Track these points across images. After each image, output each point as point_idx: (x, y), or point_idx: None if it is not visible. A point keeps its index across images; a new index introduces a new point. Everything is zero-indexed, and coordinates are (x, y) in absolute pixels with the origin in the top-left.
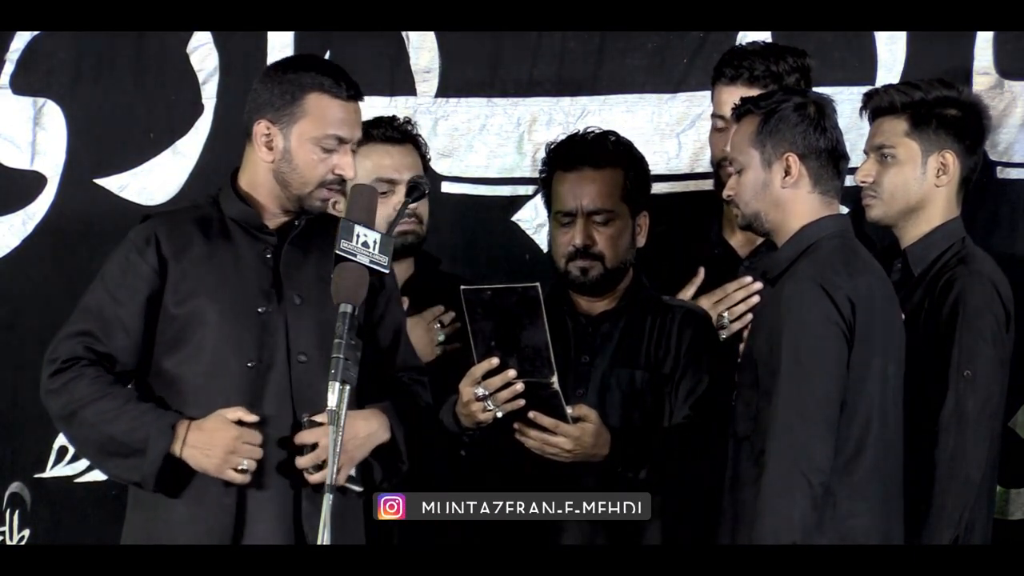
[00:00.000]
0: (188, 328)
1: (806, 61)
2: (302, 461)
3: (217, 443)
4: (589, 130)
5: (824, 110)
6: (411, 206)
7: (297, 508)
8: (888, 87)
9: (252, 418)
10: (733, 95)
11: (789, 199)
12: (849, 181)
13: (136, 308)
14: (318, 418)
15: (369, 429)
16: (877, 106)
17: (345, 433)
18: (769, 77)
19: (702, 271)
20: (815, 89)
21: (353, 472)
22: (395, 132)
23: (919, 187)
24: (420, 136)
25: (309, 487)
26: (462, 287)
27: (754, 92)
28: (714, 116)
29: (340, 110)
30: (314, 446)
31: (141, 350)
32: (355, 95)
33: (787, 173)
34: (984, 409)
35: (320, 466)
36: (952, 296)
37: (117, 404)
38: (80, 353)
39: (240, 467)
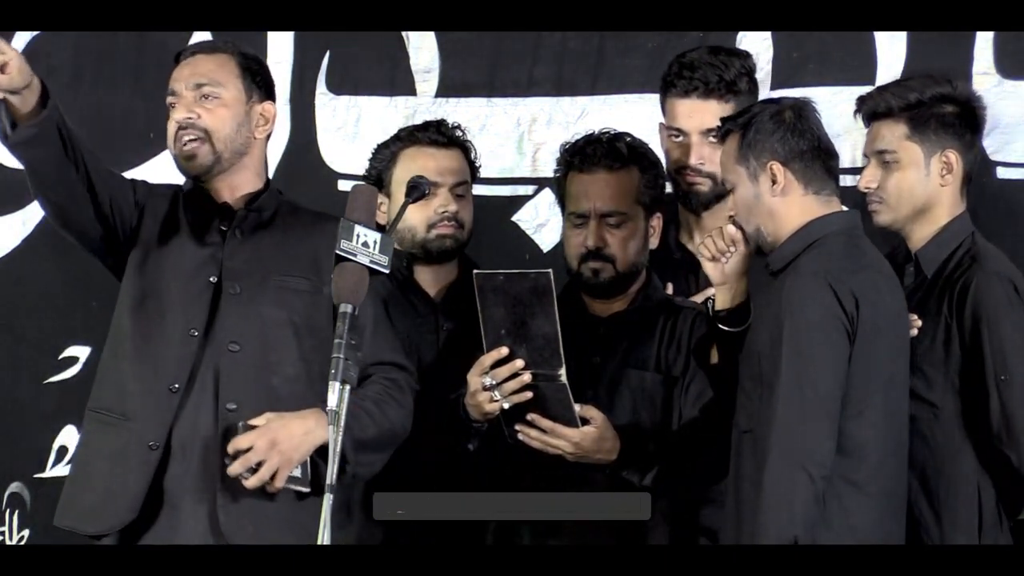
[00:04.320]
0: (148, 290)
1: (749, 62)
2: (233, 467)
3: None
4: (605, 131)
5: (802, 112)
6: (451, 209)
7: (213, 498)
8: (882, 89)
9: None
10: (687, 108)
11: (781, 207)
12: (850, 182)
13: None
14: (254, 421)
15: (305, 428)
16: (873, 110)
17: (280, 433)
18: (723, 86)
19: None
20: (816, 89)
21: (298, 472)
22: (440, 136)
23: (924, 189)
24: (469, 142)
25: (226, 479)
26: (475, 271)
27: (710, 103)
28: (667, 128)
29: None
30: (247, 451)
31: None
32: None
33: (774, 182)
34: None
35: (254, 470)
36: (971, 300)
37: None
38: None
39: None
